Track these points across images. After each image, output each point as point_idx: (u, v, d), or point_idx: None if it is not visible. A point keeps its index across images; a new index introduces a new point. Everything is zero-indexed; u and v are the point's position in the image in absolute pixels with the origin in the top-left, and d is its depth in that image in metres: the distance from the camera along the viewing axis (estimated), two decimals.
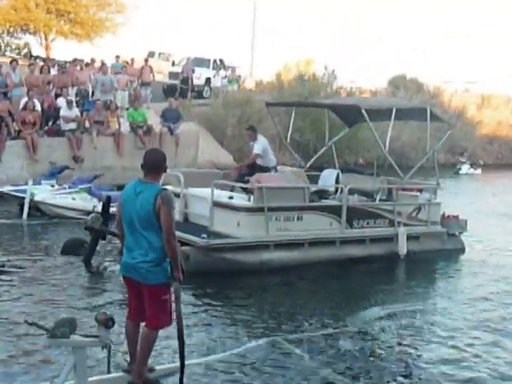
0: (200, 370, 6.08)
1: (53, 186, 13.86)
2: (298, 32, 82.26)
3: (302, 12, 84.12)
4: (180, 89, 27.08)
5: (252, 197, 10.00)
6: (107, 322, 5.10)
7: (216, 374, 6.11)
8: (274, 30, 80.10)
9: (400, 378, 6.27)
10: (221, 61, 31.95)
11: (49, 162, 15.55)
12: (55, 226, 12.70)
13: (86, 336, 5.08)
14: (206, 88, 29.22)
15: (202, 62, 30.09)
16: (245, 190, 10.47)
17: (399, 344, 7.25)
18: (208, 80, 29.61)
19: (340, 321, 7.90)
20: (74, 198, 13.37)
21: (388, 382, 6.22)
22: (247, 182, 10.71)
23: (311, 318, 7.90)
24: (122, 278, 5.64)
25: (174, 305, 5.31)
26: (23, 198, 13.01)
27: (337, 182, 11.73)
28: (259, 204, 9.82)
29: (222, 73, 31.35)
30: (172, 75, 29.09)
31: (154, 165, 5.36)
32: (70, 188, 13.75)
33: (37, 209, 13.24)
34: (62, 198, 13.42)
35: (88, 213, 12.01)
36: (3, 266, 9.11)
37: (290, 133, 13.38)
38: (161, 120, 19.21)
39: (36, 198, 13.11)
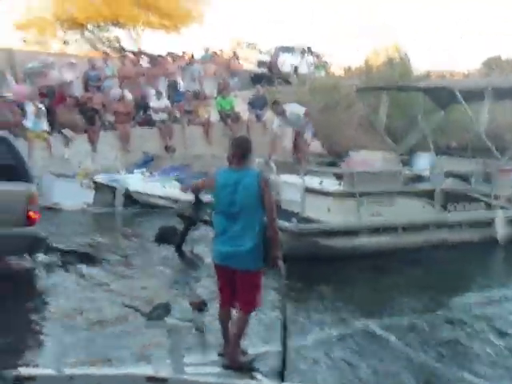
0: (294, 353, 6.05)
1: (144, 174, 14.14)
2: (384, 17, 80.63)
3: None
4: (267, 76, 27.14)
5: (343, 182, 9.89)
6: (200, 306, 5.22)
7: (310, 357, 6.13)
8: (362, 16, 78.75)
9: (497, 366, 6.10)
10: (308, 48, 31.77)
11: (142, 151, 15.95)
12: (147, 214, 12.98)
13: (181, 319, 5.22)
14: (294, 75, 29.16)
15: (288, 50, 30.03)
16: (336, 175, 10.37)
17: (495, 331, 7.03)
18: (295, 67, 29.55)
19: (435, 307, 7.73)
20: (164, 187, 13.58)
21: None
22: (338, 166, 10.64)
23: (404, 304, 7.77)
24: (214, 265, 5.71)
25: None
26: (115, 188, 13.34)
27: (431, 166, 11.43)
28: (350, 189, 9.70)
29: (309, 59, 31.16)
30: (259, 63, 29.25)
31: (244, 152, 5.41)
32: (160, 177, 14.00)
33: (129, 197, 13.54)
34: (153, 186, 13.66)
35: (178, 201, 12.34)
36: (90, 254, 9.46)
37: (382, 118, 13.12)
38: (248, 107, 19.32)
39: (128, 187, 13.41)
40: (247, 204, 5.26)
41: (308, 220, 9.69)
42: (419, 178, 11.01)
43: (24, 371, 4.89)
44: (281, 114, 11.90)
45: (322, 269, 9.03)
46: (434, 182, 10.48)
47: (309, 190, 9.89)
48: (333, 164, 11.17)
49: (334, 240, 9.53)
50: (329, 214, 9.69)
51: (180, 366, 5.08)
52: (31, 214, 7.85)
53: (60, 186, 13.28)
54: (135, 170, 14.44)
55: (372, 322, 7.09)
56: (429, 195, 10.28)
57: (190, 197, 11.32)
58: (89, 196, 13.47)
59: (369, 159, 11.17)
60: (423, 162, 11.57)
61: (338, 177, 10.32)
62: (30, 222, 7.86)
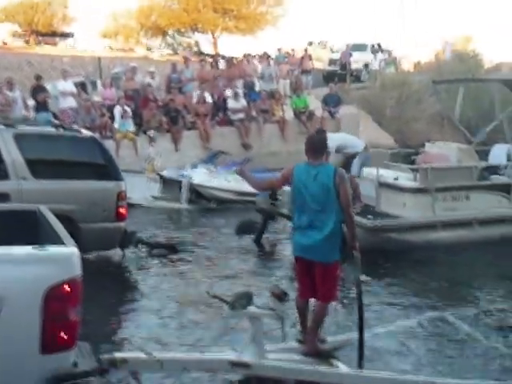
0: (372, 342, 5.99)
1: (209, 169, 14.10)
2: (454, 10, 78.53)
3: None
4: (339, 74, 26.95)
5: (418, 177, 9.71)
6: (281, 296, 5.24)
7: (386, 345, 6.07)
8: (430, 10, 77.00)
9: None
10: (378, 45, 31.37)
11: (206, 147, 15.94)
12: (214, 210, 12.99)
13: (263, 308, 5.26)
14: (364, 72, 28.85)
15: (359, 47, 29.72)
16: (411, 169, 10.18)
17: None
18: (366, 64, 29.24)
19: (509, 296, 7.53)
20: (227, 180, 13.49)
21: None
22: (413, 162, 10.44)
23: (480, 296, 7.59)
24: (293, 257, 5.73)
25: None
26: (180, 182, 13.28)
27: (509, 158, 10.98)
28: (425, 185, 9.50)
29: (380, 56, 30.77)
30: (331, 62, 29.09)
31: (319, 146, 5.41)
32: (223, 171, 13.96)
33: (194, 192, 13.46)
34: (216, 180, 13.56)
35: (240, 193, 12.38)
36: (176, 246, 9.64)
37: (457, 110, 12.78)
38: (322, 105, 19.22)
39: (192, 181, 13.34)
40: (323, 198, 5.24)
41: (383, 215, 9.53)
42: (495, 170, 10.62)
43: (118, 355, 5.04)
44: None
45: (397, 262, 8.91)
46: (510, 175, 10.13)
47: (384, 185, 9.73)
48: (408, 156, 10.92)
49: (409, 235, 9.35)
50: (404, 208, 9.52)
51: (261, 352, 5.13)
52: (121, 209, 8.07)
53: (127, 181, 13.38)
54: (199, 165, 14.44)
55: (447, 311, 6.96)
56: (505, 189, 9.94)
57: (249, 189, 11.47)
58: (154, 190, 13.58)
59: (444, 152, 10.85)
60: (499, 154, 11.15)
61: (413, 170, 10.13)
62: (120, 217, 8.07)
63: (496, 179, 10.26)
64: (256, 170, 14.14)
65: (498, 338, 6.30)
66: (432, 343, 6.16)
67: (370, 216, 9.29)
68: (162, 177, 13.80)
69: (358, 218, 9.18)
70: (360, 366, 5.26)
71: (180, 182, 13.30)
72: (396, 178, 9.88)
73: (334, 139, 9.15)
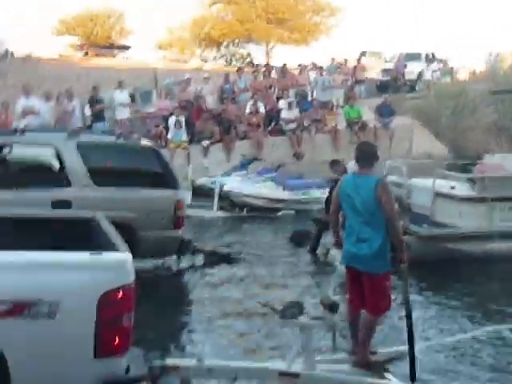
0: (425, 355, 5.91)
1: (241, 176, 14.01)
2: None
3: None
4: (393, 84, 26.69)
5: (475, 187, 9.55)
6: (332, 306, 5.21)
7: (441, 359, 5.95)
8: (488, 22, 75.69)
9: None
10: (432, 54, 30.92)
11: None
12: (247, 219, 12.85)
13: (313, 318, 5.24)
14: (419, 82, 28.48)
15: (413, 57, 29.37)
16: (468, 179, 10.01)
17: None
18: (420, 74, 28.85)
19: None
20: (260, 187, 13.44)
21: None
22: (470, 172, 10.29)
23: None
24: (344, 267, 5.72)
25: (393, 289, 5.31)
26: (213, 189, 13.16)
27: None
28: (482, 194, 9.33)
29: (434, 66, 30.33)
30: (384, 72, 28.79)
31: (366, 156, 5.41)
32: (255, 178, 13.88)
33: (227, 200, 13.36)
34: (248, 186, 13.46)
35: (273, 200, 12.65)
36: (240, 254, 9.70)
37: None
38: (375, 115, 19.07)
39: (224, 188, 13.23)
40: (367, 208, 5.23)
41: (439, 224, 9.42)
42: None
43: (169, 362, 5.10)
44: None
45: (453, 272, 8.74)
46: None
47: (440, 195, 9.63)
48: (465, 167, 10.74)
49: (465, 244, 9.19)
50: (460, 218, 9.39)
51: (311, 362, 5.10)
52: (179, 218, 8.18)
53: None
54: (233, 173, 14.36)
55: (503, 325, 6.78)
56: None
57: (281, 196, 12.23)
58: (187, 197, 13.49)
59: (502, 163, 10.66)
60: None
61: (470, 180, 9.97)
62: (178, 225, 8.17)
63: None
64: (291, 177, 14.14)
65: None
66: (487, 357, 6.00)
67: (425, 225, 9.16)
68: (194, 185, 13.80)
69: (413, 227, 9.16)
70: (413, 379, 5.17)
71: (212, 190, 13.22)
72: (453, 187, 9.76)
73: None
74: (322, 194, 13.20)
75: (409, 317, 5.25)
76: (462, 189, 9.78)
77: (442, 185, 9.80)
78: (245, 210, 13.20)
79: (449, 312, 7.34)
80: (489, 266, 8.91)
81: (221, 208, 13.15)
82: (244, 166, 14.83)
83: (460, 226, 9.35)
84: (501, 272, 8.83)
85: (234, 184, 13.55)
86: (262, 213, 12.97)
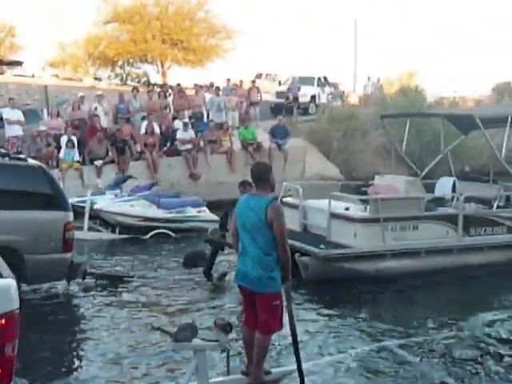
0: (313, 372, 5.99)
1: (116, 195, 13.57)
2: (399, 44, 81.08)
3: (402, 25, 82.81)
4: (286, 106, 27.27)
5: (368, 208, 9.88)
6: (226, 328, 5.19)
7: (329, 376, 6.05)
8: (375, 45, 79.24)
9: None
10: (325, 78, 31.91)
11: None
12: (142, 241, 12.58)
13: (207, 340, 5.20)
14: (312, 105, 29.27)
15: (306, 80, 30.17)
16: (362, 201, 10.35)
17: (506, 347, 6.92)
18: (313, 97, 29.68)
19: (454, 326, 7.62)
20: (132, 205, 13.10)
21: None
22: (364, 193, 10.65)
23: (425, 324, 7.67)
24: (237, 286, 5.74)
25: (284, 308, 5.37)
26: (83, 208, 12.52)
27: (453, 189, 11.30)
28: (375, 215, 9.66)
29: (327, 89, 31.32)
30: (279, 94, 29.35)
31: (259, 177, 5.45)
32: (129, 196, 13.50)
33: (98, 218, 12.98)
34: (120, 205, 13.08)
35: (146, 219, 12.51)
36: (131, 276, 9.50)
37: (404, 143, 13.07)
38: (269, 137, 19.33)
39: (95, 207, 12.79)
40: (257, 228, 5.28)
41: (335, 244, 9.64)
42: (441, 202, 10.88)
43: None
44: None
45: (344, 291, 8.97)
46: (457, 207, 10.38)
47: (335, 216, 9.88)
48: (358, 188, 11.11)
49: (359, 264, 9.46)
50: (355, 238, 9.64)
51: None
52: (69, 240, 7.92)
53: None
54: (107, 191, 13.88)
55: (391, 340, 7.01)
56: (452, 220, 10.17)
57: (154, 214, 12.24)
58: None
59: (393, 184, 11.13)
60: (445, 187, 11.47)
61: (363, 201, 10.31)
62: (67, 248, 7.91)
63: (443, 210, 10.51)
64: (165, 196, 14.02)
65: (441, 366, 6.37)
66: (374, 372, 6.18)
67: (322, 245, 9.39)
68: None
69: (309, 248, 9.35)
70: None
71: (82, 209, 12.50)
72: (347, 209, 10.04)
73: None
74: (198, 212, 13.44)
75: (294, 334, 5.30)
76: (356, 210, 10.09)
77: (337, 206, 10.06)
78: (117, 229, 12.85)
79: (339, 328, 7.49)
80: (380, 284, 9.26)
81: (90, 227, 12.67)
82: (118, 184, 14.35)
83: (355, 245, 9.59)
84: (390, 290, 9.18)
85: (106, 202, 13.12)
86: (135, 232, 12.69)
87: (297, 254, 9.10)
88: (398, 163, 15.96)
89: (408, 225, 9.87)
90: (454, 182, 11.51)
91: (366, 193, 11.00)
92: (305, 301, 8.43)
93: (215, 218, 12.77)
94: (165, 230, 12.88)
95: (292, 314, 5.35)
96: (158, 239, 12.67)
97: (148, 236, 12.74)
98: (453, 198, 10.93)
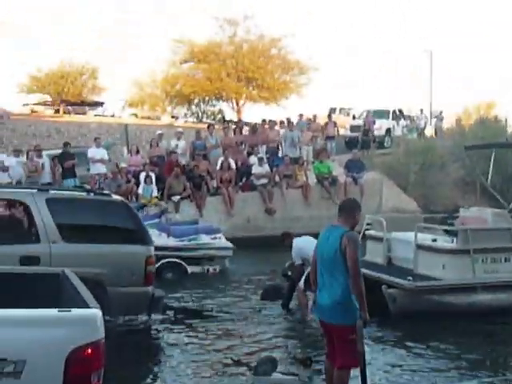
0: None
1: None
2: (476, 75, 79.77)
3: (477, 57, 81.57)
4: (362, 140, 27.11)
5: (456, 239, 9.65)
6: (306, 361, 5.15)
7: None
8: (451, 76, 78.10)
9: None
10: (400, 111, 31.61)
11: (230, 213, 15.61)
12: None
13: (287, 374, 5.15)
14: (387, 138, 28.97)
15: (381, 114, 29.95)
16: (448, 232, 10.15)
17: None
18: (388, 130, 29.40)
19: None
20: None
21: None
22: (450, 225, 10.40)
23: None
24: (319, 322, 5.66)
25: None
26: None
27: None
28: (464, 246, 9.41)
29: (402, 122, 30.99)
30: (353, 128, 29.19)
31: (346, 209, 5.46)
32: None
33: None
34: None
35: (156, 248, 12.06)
36: (210, 310, 9.56)
37: (490, 175, 12.73)
38: (345, 171, 19.27)
39: None
40: (332, 259, 5.25)
41: (422, 277, 9.42)
42: None
43: None
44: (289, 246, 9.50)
45: (437, 325, 8.69)
46: None
47: (422, 247, 9.70)
48: (443, 220, 10.87)
49: (449, 296, 9.20)
50: (443, 270, 9.42)
51: None
52: (150, 274, 8.06)
53: None
54: None
55: (487, 378, 6.74)
56: None
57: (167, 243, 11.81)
58: None
59: (481, 215, 10.83)
60: None
61: (449, 233, 10.10)
62: (148, 281, 8.05)
63: None
64: (178, 223, 13.72)
65: None
66: None
67: (409, 277, 9.19)
68: None
69: (397, 280, 9.18)
70: None
71: None
72: (434, 240, 9.87)
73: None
74: (213, 239, 12.88)
75: (363, 374, 5.13)
76: (444, 241, 9.90)
77: (424, 238, 9.88)
78: None
79: (424, 366, 7.26)
80: (472, 319, 8.89)
81: None
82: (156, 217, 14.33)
83: (443, 277, 9.38)
84: (486, 324, 8.82)
85: None
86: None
87: (384, 286, 8.93)
88: (476, 196, 15.53)
89: (499, 256, 9.58)
90: None
91: (452, 225, 10.73)
92: (393, 335, 8.26)
93: (230, 245, 12.67)
94: (175, 259, 12.22)
95: (362, 352, 5.19)
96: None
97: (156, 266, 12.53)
98: None
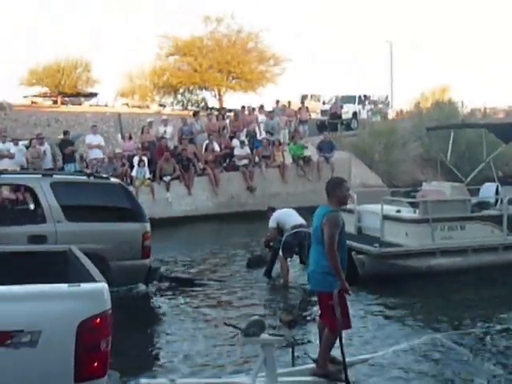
0: (365, 367, 5.84)
1: None
2: (433, 61, 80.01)
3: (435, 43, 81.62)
4: (330, 123, 27.15)
5: (418, 210, 9.82)
6: (290, 323, 5.16)
7: (380, 370, 5.85)
8: (410, 62, 78.17)
9: None
10: (365, 96, 31.68)
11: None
12: None
13: (274, 335, 5.16)
14: (354, 121, 29.05)
15: (348, 99, 30.01)
16: (411, 204, 10.35)
17: None
18: (355, 114, 29.46)
19: (502, 320, 7.39)
20: None
21: None
22: (413, 198, 10.57)
23: (473, 318, 7.44)
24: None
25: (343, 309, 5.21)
26: None
27: (496, 194, 11.02)
28: (425, 216, 9.58)
29: (367, 106, 31.07)
30: (323, 112, 29.30)
31: (327, 190, 5.45)
32: None
33: None
34: None
35: None
36: (201, 279, 9.55)
37: (449, 152, 12.79)
38: (317, 151, 19.31)
39: None
40: (316, 234, 5.32)
41: (388, 244, 9.59)
42: (485, 206, 10.62)
43: (143, 381, 4.96)
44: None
45: (399, 287, 8.80)
46: (502, 208, 10.14)
47: (387, 218, 9.85)
48: (407, 194, 11.03)
49: (411, 261, 9.37)
50: (406, 237, 9.60)
51: (273, 376, 5.02)
52: (146, 248, 8.02)
53: None
54: None
55: (442, 333, 6.82)
56: (496, 220, 9.98)
57: None
58: None
59: (440, 189, 10.96)
60: (489, 191, 11.21)
61: (412, 205, 10.29)
62: (145, 255, 8.02)
63: (489, 212, 10.31)
64: None
65: (488, 356, 6.16)
66: (425, 363, 6.01)
67: (376, 245, 9.36)
68: None
69: (365, 247, 9.30)
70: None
71: None
72: (398, 211, 10.05)
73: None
74: None
75: (341, 341, 5.04)
76: (407, 212, 10.08)
77: (389, 209, 10.08)
78: None
79: (391, 322, 7.35)
80: (430, 280, 9.04)
81: None
82: None
83: (406, 244, 9.54)
84: (440, 286, 8.94)
85: None
86: None
87: (353, 253, 9.01)
88: (435, 171, 15.67)
89: (455, 225, 9.75)
90: (497, 186, 11.20)
91: (414, 197, 10.91)
92: (360, 297, 8.26)
93: None
94: None
95: (339, 319, 5.14)
96: None
97: None
98: (496, 201, 10.68)
